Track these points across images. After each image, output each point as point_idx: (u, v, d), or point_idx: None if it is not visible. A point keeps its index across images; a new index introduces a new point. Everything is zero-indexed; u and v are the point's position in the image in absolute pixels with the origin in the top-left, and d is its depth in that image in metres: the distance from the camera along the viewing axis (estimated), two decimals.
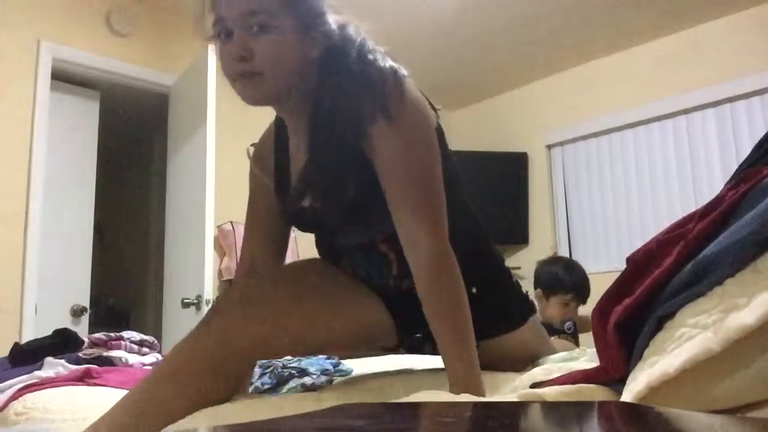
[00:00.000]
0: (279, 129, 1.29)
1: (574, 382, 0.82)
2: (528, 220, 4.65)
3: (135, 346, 1.85)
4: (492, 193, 4.42)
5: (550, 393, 0.77)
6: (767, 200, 0.63)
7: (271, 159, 1.29)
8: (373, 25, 1.16)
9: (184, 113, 3.35)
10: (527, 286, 1.69)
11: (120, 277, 4.87)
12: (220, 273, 3.61)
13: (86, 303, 3.54)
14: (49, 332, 1.95)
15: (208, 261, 2.85)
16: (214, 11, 1.08)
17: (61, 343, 1.84)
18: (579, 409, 0.58)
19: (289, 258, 1.37)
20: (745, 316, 0.56)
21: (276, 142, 1.29)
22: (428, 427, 0.52)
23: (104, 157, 3.90)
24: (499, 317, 1.27)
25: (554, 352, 1.37)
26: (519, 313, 1.31)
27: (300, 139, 1.18)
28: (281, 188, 1.26)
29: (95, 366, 1.62)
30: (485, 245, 1.32)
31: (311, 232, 1.31)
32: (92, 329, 3.04)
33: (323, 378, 1.48)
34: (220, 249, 3.61)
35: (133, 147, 4.87)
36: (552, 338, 1.92)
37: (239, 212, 3.86)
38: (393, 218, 1.08)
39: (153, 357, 1.87)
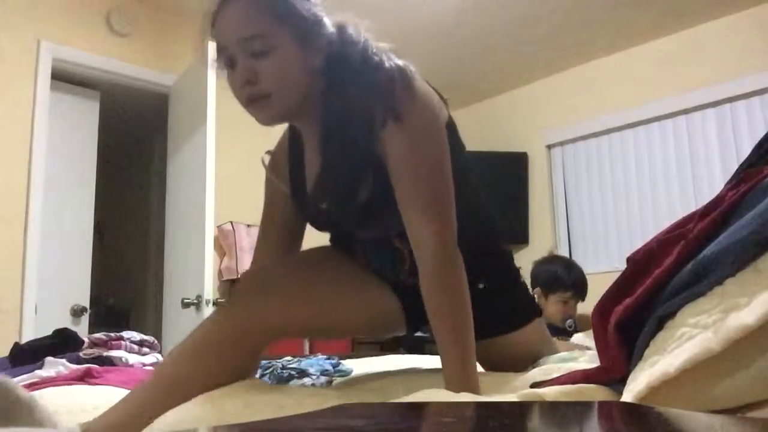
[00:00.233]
0: (293, 135, 1.30)
1: (574, 382, 0.82)
2: (528, 220, 4.65)
3: (135, 346, 1.85)
4: (492, 193, 4.41)
5: (550, 393, 0.77)
6: (767, 200, 0.63)
7: (285, 166, 1.31)
8: (372, 24, 1.16)
9: (184, 113, 3.35)
10: None
11: (120, 277, 4.87)
12: (220, 273, 3.61)
13: (86, 303, 3.54)
14: (49, 332, 1.95)
15: (208, 261, 2.85)
16: (216, 41, 1.12)
17: (61, 343, 1.84)
18: (579, 409, 0.58)
19: None
20: (746, 316, 0.56)
21: (290, 149, 1.31)
22: (428, 427, 0.52)
23: (104, 157, 3.90)
24: (506, 315, 1.30)
25: (557, 353, 1.38)
26: (526, 312, 1.34)
27: (313, 145, 1.20)
28: (297, 193, 1.28)
29: (96, 366, 1.62)
30: (496, 241, 1.35)
31: (328, 231, 1.35)
32: (92, 329, 3.04)
33: (323, 378, 1.48)
34: (220, 249, 3.61)
35: (133, 147, 4.87)
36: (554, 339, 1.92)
37: (239, 212, 3.88)
38: (402, 216, 1.09)
39: (153, 357, 1.87)
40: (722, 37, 3.82)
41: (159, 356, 1.89)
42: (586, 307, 2.74)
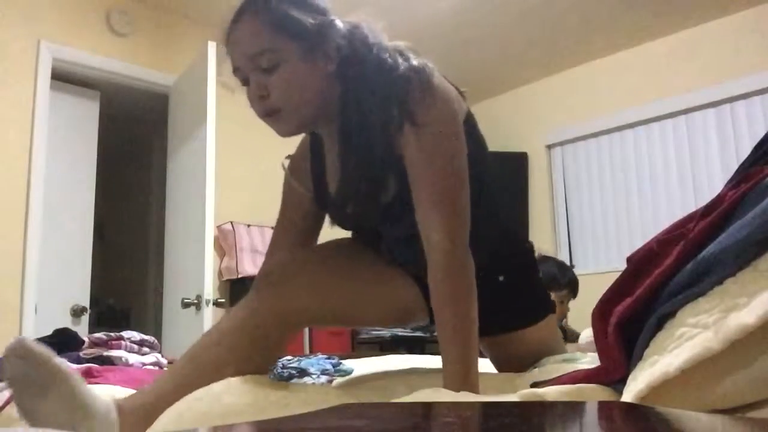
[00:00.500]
0: (314, 139, 1.31)
1: (574, 382, 0.82)
2: (528, 220, 4.65)
3: (135, 346, 1.85)
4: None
5: (551, 393, 0.77)
6: (767, 200, 0.63)
7: (307, 170, 1.32)
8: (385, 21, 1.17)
9: (184, 113, 3.35)
10: None
11: (120, 277, 4.87)
12: (220, 273, 3.61)
13: (86, 303, 3.54)
14: (49, 332, 1.95)
15: (208, 261, 2.85)
16: (230, 59, 1.14)
17: (61, 343, 1.84)
18: (579, 409, 0.58)
19: None
20: (746, 316, 0.56)
21: (312, 152, 1.32)
22: (429, 427, 0.52)
23: (104, 157, 3.90)
24: (524, 309, 1.31)
25: (566, 352, 1.39)
26: (541, 309, 1.35)
27: (333, 148, 1.21)
28: (320, 196, 1.29)
29: (96, 365, 1.62)
30: (516, 234, 1.38)
31: (354, 231, 1.37)
32: (92, 329, 3.04)
33: (323, 378, 1.48)
34: (220, 249, 3.61)
35: (133, 147, 4.86)
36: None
37: (239, 212, 3.88)
38: (416, 214, 1.10)
39: (153, 357, 1.87)
40: (722, 37, 3.83)
41: (159, 356, 1.89)
42: (586, 307, 2.74)
